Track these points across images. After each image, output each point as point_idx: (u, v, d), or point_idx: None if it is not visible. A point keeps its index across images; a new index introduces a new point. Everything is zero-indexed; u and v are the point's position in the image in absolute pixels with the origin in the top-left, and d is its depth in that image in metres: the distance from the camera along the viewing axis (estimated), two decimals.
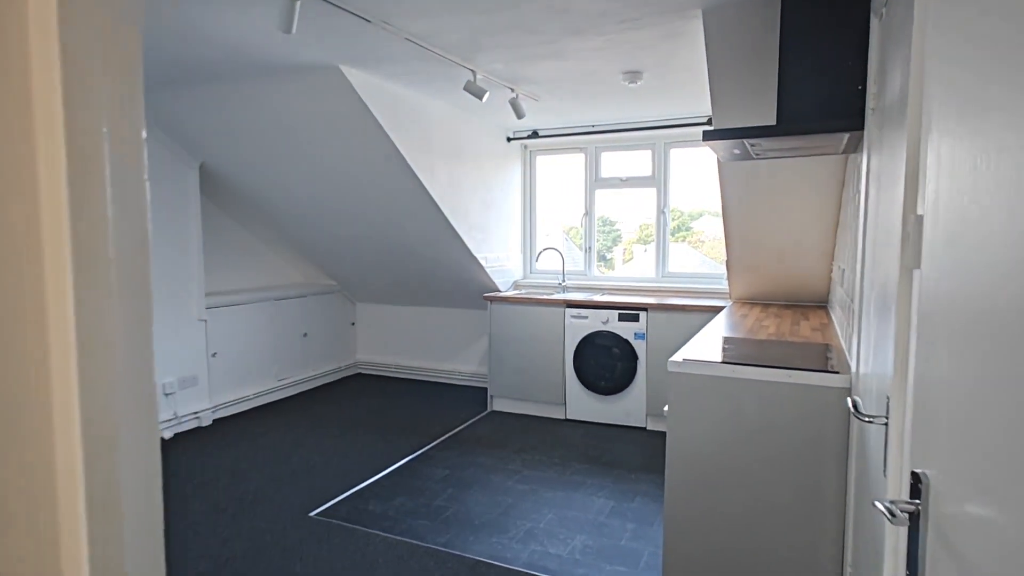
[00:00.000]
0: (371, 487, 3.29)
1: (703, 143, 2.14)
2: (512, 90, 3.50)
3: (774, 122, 2.00)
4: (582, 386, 4.36)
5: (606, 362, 4.26)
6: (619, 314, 4.22)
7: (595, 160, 4.94)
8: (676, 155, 4.70)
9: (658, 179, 4.75)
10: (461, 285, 4.97)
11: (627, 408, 4.25)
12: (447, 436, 4.11)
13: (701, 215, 5.02)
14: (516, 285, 5.15)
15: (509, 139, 4.95)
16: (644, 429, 4.23)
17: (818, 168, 2.81)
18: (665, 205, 4.75)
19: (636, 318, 4.17)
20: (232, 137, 3.86)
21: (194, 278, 4.23)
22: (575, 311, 4.35)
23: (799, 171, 2.82)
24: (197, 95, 3.54)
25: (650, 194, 4.83)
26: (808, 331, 2.80)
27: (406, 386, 5.40)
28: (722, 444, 2.10)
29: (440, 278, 4.95)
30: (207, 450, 3.82)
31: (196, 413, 4.26)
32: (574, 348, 4.36)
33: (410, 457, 3.72)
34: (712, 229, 4.98)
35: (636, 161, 4.84)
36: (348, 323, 5.80)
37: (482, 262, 4.59)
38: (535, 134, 4.91)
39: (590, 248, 5.06)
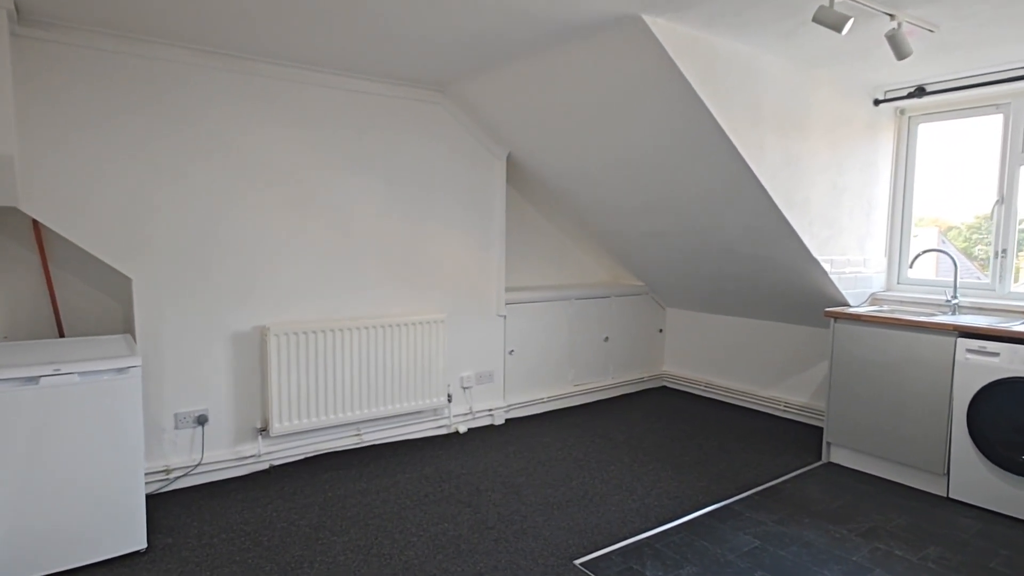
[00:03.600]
0: (653, 541, 2.63)
1: None
2: (892, 17, 2.41)
3: None
4: (981, 455, 2.93)
5: None
6: None
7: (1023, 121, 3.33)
8: None
9: None
10: (795, 295, 3.90)
11: None
12: (763, 488, 3.19)
13: None
14: (874, 299, 3.83)
15: (877, 101, 3.67)
16: None
17: None
18: None
19: None
20: (534, 121, 3.61)
21: (495, 272, 4.15)
22: (976, 343, 2.94)
23: None
24: (499, 79, 3.35)
25: None
26: None
27: (717, 410, 4.55)
28: None
29: (766, 285, 3.97)
30: (493, 454, 3.67)
31: (490, 410, 4.19)
32: (970, 397, 2.95)
33: (709, 509, 2.94)
34: None
35: None
36: (656, 330, 5.20)
37: (825, 267, 3.48)
38: (920, 91, 3.53)
39: (1004, 252, 3.45)
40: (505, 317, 4.23)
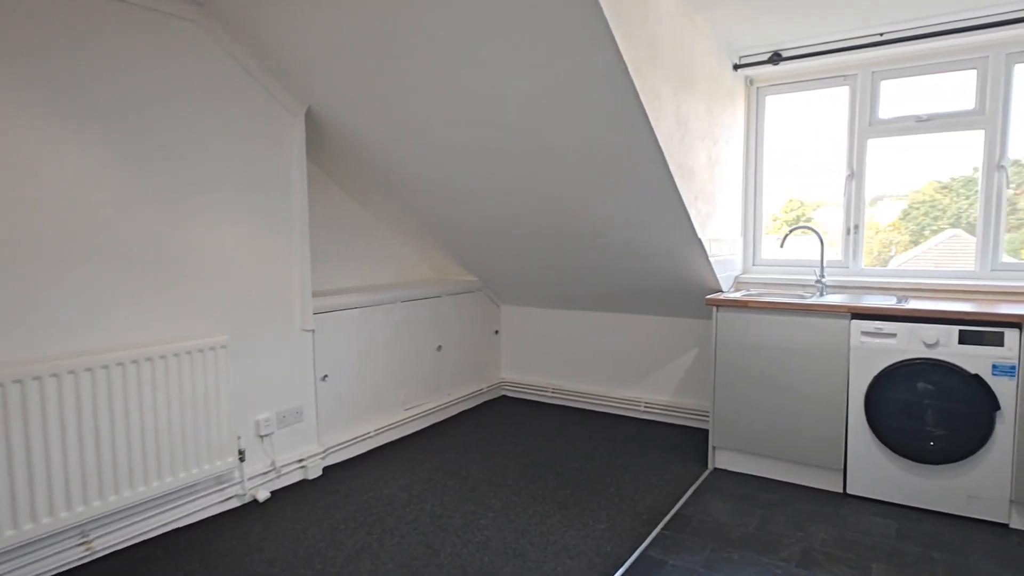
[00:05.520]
0: None
1: None
2: None
3: None
4: (881, 445, 2.71)
5: (933, 409, 2.59)
6: (961, 331, 2.53)
7: (870, 93, 3.25)
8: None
9: (992, 115, 2.98)
10: (662, 283, 3.45)
11: (969, 489, 2.56)
12: (669, 518, 2.62)
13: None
14: (738, 283, 3.55)
15: (736, 66, 3.36)
16: (1006, 527, 2.52)
17: None
18: (1003, 157, 2.98)
19: (998, 340, 2.46)
20: (346, 56, 2.56)
21: (298, 272, 3.01)
22: (871, 324, 2.70)
23: None
24: None
25: (964, 140, 3.08)
26: None
27: (572, 419, 3.96)
28: None
29: (631, 272, 3.46)
30: (313, 530, 2.56)
31: (301, 460, 3.04)
32: (867, 384, 2.72)
33: (627, 566, 2.25)
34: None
35: (944, 90, 3.10)
36: (491, 332, 4.46)
37: (707, 248, 3.04)
38: (776, 57, 3.29)
39: (855, 228, 3.37)
40: (314, 331, 3.11)
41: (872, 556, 2.31)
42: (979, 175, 3.05)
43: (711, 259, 3.09)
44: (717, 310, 3.03)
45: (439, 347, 3.98)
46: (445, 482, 3.02)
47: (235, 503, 2.75)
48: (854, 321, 2.73)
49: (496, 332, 4.51)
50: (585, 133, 2.53)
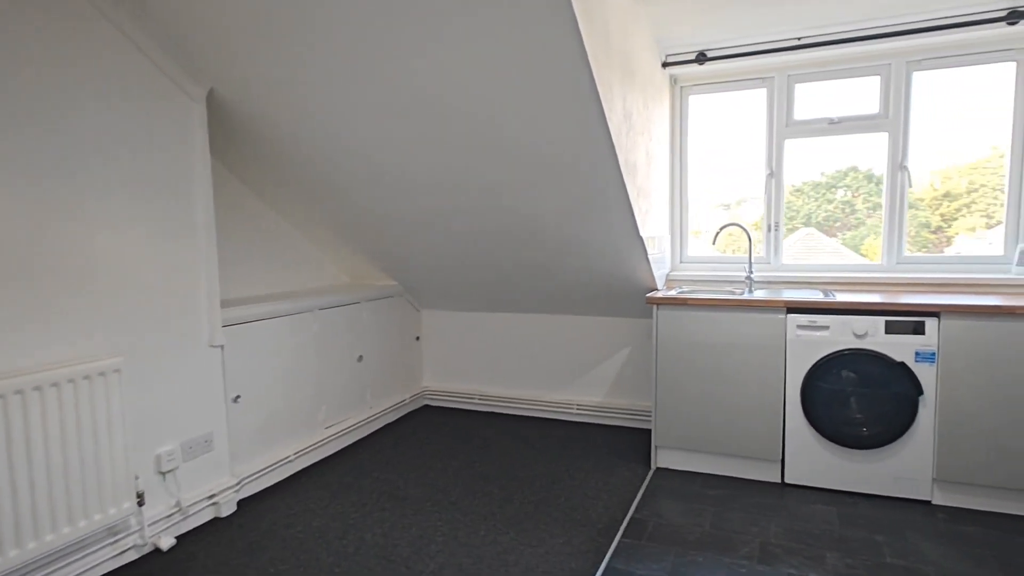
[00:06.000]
0: None
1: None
2: None
3: None
4: (817, 434, 2.80)
5: (865, 397, 2.71)
6: (887, 322, 2.66)
7: (786, 95, 3.38)
8: (922, 82, 3.15)
9: (894, 118, 3.19)
10: (597, 282, 3.39)
11: (896, 471, 2.70)
12: (625, 525, 2.54)
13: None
14: (669, 281, 3.57)
15: (664, 64, 3.36)
16: (929, 503, 2.68)
17: None
18: (904, 158, 3.20)
19: (920, 328, 2.61)
20: (253, 32, 2.24)
21: (205, 280, 2.61)
22: (805, 318, 2.78)
23: None
24: None
25: (870, 142, 3.29)
26: None
27: (503, 426, 3.81)
28: None
29: (565, 272, 3.36)
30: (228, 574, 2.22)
31: (212, 496, 2.65)
32: (803, 376, 2.80)
33: None
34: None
35: (852, 94, 3.28)
36: (412, 338, 4.20)
37: (648, 245, 3.01)
38: (701, 57, 3.33)
39: (776, 225, 3.49)
40: (223, 347, 2.72)
41: (823, 545, 2.36)
42: (884, 176, 3.26)
43: (650, 257, 3.06)
44: (658, 308, 3.01)
45: (360, 357, 3.67)
46: (382, 505, 2.75)
47: (133, 555, 2.32)
48: (790, 315, 2.81)
49: (417, 338, 4.26)
50: (536, 123, 2.38)
